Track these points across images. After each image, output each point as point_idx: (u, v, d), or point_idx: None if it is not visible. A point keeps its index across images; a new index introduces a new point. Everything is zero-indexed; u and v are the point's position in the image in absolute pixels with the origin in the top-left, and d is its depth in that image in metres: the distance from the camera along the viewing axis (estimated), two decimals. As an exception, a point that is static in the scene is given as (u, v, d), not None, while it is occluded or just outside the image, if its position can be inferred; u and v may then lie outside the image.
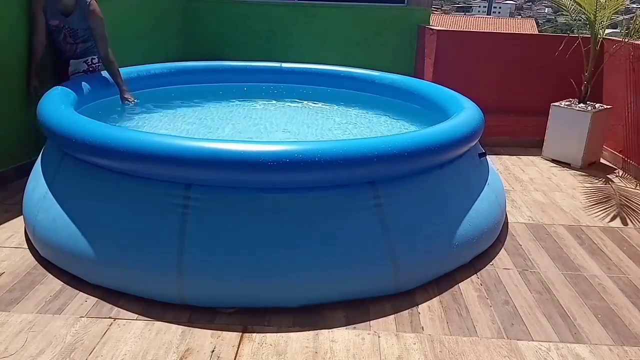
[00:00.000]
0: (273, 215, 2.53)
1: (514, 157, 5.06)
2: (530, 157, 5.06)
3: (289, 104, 4.94)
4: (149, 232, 2.55)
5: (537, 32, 25.62)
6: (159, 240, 2.53)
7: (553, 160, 4.96)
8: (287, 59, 5.54)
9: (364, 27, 6.45)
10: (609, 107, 4.90)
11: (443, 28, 5.91)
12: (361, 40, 6.47)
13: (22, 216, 3.10)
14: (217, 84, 4.99)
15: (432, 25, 6.06)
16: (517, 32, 23.81)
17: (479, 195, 3.15)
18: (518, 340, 2.35)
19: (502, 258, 3.08)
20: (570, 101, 4.99)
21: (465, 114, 3.31)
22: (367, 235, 2.60)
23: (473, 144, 3.23)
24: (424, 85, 4.46)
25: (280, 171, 2.46)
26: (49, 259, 2.83)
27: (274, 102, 4.95)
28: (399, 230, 2.65)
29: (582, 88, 4.89)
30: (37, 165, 3.23)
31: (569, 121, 4.82)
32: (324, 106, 4.84)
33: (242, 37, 6.56)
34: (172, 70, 4.76)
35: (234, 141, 2.53)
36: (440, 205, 2.88)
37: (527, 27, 31.24)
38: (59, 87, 3.52)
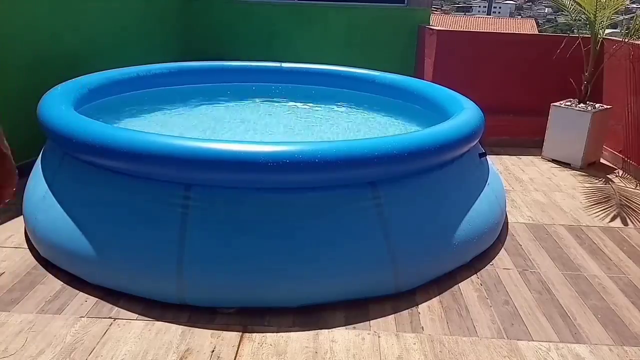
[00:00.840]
0: (273, 215, 2.53)
1: (514, 157, 5.06)
2: (530, 157, 5.06)
3: (289, 103, 4.94)
4: (149, 232, 2.55)
5: (537, 32, 25.63)
6: (159, 241, 2.53)
7: (553, 160, 4.96)
8: (287, 58, 5.53)
9: (364, 27, 6.45)
10: (609, 107, 4.90)
11: (443, 28, 5.91)
12: (361, 40, 6.47)
13: (22, 216, 3.10)
14: (218, 84, 4.99)
15: (432, 25, 6.06)
16: (517, 32, 23.83)
17: (479, 195, 3.14)
18: (518, 340, 2.35)
19: (502, 258, 3.08)
20: (571, 101, 4.99)
21: (465, 114, 3.31)
22: (367, 236, 2.60)
23: (473, 144, 3.23)
24: (424, 85, 4.46)
25: (281, 171, 2.45)
26: (49, 259, 2.83)
27: (273, 102, 4.94)
28: (399, 230, 2.65)
29: (582, 88, 4.89)
30: (37, 165, 3.23)
31: (569, 121, 4.81)
32: (323, 106, 4.84)
33: (242, 37, 6.56)
34: (172, 70, 4.76)
35: (234, 141, 2.52)
36: (440, 205, 2.88)
37: (527, 27, 31.20)
38: (59, 87, 3.51)
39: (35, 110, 3.14)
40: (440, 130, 2.95)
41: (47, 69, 4.15)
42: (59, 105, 3.07)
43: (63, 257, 2.74)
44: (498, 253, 3.14)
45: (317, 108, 4.85)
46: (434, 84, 4.37)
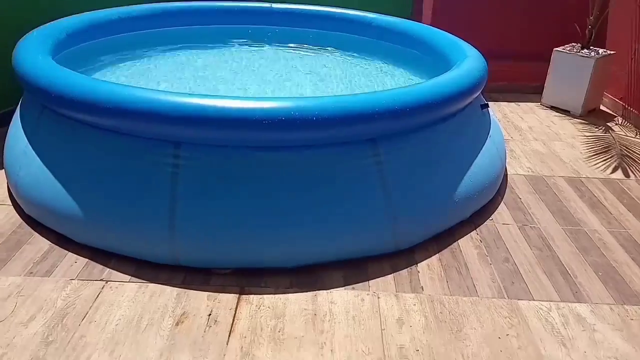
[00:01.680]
0: (268, 174, 2.42)
1: (513, 104, 4.93)
2: (529, 104, 4.92)
3: (281, 48, 4.70)
4: (138, 190, 2.43)
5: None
6: (149, 199, 2.42)
7: (552, 107, 4.84)
8: None
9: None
10: (612, 52, 4.73)
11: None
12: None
13: (3, 170, 2.95)
14: (202, 26, 4.70)
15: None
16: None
17: (481, 149, 3.04)
18: (519, 300, 2.32)
19: (502, 212, 3.02)
20: (573, 46, 4.80)
21: (468, 63, 3.15)
22: (366, 193, 2.50)
23: (476, 95, 3.09)
24: (425, 30, 4.21)
25: (276, 129, 2.32)
26: (34, 217, 2.72)
27: (265, 46, 4.70)
28: (399, 187, 2.56)
29: (587, 32, 4.69)
30: (17, 116, 3.06)
31: (571, 67, 4.65)
32: (318, 52, 4.62)
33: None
34: (155, 12, 4.43)
35: (225, 97, 2.36)
36: (441, 161, 2.78)
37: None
38: (35, 32, 3.27)
39: (12, 55, 2.93)
40: (443, 82, 2.80)
41: (22, 9, 3.86)
42: (36, 55, 2.85)
43: (48, 216, 2.63)
44: (497, 207, 3.08)
45: (309, 53, 4.62)
46: (436, 29, 4.13)
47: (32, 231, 2.66)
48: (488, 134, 3.20)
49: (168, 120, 2.32)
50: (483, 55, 3.35)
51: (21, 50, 2.94)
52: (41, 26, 3.43)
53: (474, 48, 3.51)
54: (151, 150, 2.42)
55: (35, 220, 2.71)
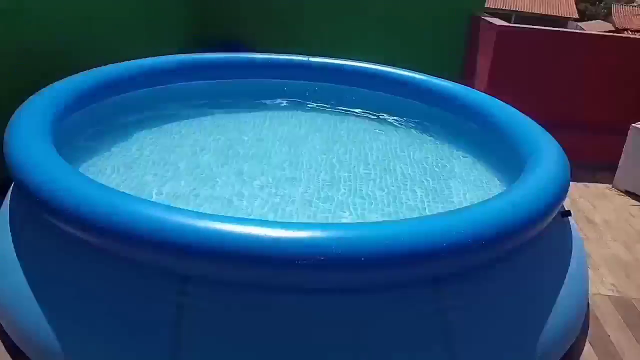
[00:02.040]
0: (296, 321, 1.86)
1: (581, 184, 4.27)
2: (600, 186, 4.27)
3: (320, 112, 4.19)
4: (133, 330, 1.92)
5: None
6: (146, 343, 1.90)
7: (627, 192, 4.18)
8: (313, 48, 4.60)
9: (405, 12, 5.57)
10: (700, 132, 4.07)
11: (504, 23, 4.91)
12: (398, 27, 5.60)
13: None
14: (229, 80, 4.21)
15: (488, 17, 5.15)
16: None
17: (565, 274, 2.42)
18: None
19: (589, 360, 2.38)
20: (655, 122, 4.16)
21: (550, 163, 2.55)
22: (424, 350, 1.92)
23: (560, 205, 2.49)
24: (497, 108, 3.45)
25: (311, 270, 1.76)
26: (13, 339, 2.21)
27: (301, 109, 4.21)
28: (466, 340, 1.96)
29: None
30: (6, 201, 2.58)
31: (652, 148, 4.01)
32: (363, 119, 4.09)
33: (262, 21, 5.72)
34: (171, 66, 3.95)
35: (248, 221, 1.84)
36: (518, 300, 2.17)
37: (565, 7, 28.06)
38: (35, 100, 2.80)
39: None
40: (524, 197, 2.20)
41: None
42: (33, 142, 2.36)
43: (26, 343, 2.14)
44: (582, 350, 2.44)
45: (352, 117, 4.11)
46: (511, 108, 3.38)
47: (8, 357, 2.16)
48: (571, 252, 2.58)
49: (173, 248, 1.80)
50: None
51: (15, 131, 2.47)
52: (41, 91, 2.96)
53: (551, 138, 2.92)
54: (152, 282, 1.90)
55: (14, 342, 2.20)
